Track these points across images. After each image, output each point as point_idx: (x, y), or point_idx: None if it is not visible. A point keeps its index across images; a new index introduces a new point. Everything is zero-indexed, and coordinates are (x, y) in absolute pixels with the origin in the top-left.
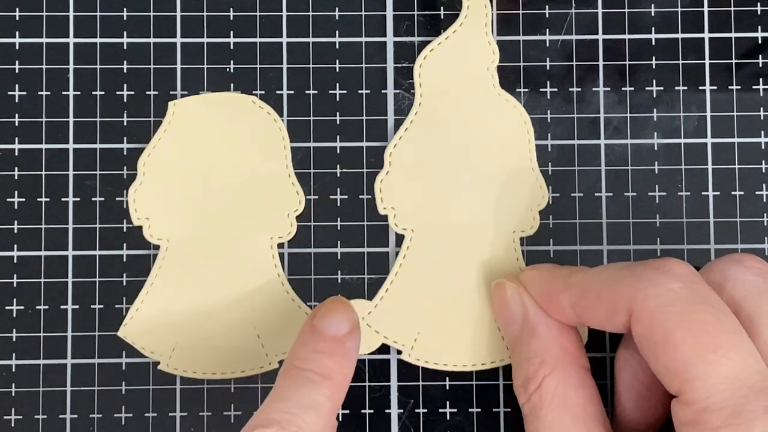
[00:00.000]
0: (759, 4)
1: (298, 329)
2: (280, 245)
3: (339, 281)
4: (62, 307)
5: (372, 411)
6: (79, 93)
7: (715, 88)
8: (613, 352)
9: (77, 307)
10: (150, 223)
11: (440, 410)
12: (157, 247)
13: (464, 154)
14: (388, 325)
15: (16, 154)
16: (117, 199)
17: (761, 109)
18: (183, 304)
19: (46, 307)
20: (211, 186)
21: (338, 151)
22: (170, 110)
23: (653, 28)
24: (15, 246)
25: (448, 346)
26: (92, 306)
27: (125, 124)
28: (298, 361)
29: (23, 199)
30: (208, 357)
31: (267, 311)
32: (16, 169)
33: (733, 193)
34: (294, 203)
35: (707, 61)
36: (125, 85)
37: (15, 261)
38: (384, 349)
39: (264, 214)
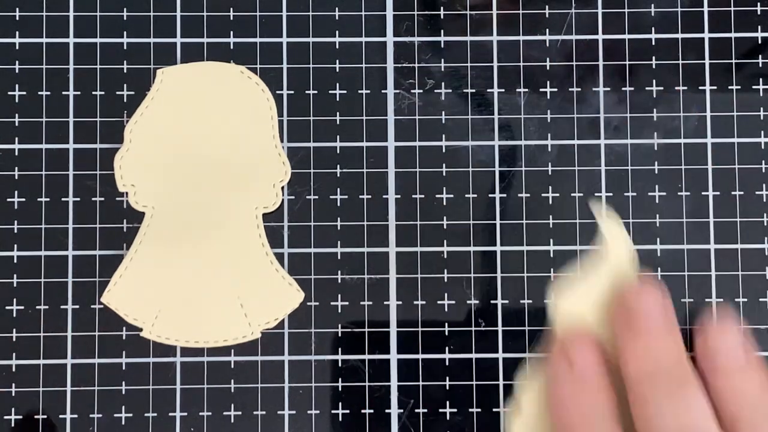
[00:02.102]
0: (759, 4)
1: (280, 299)
2: (280, 244)
3: (339, 281)
4: (62, 307)
5: (372, 411)
6: (79, 93)
7: (715, 88)
8: None
9: (77, 307)
10: (135, 189)
11: (440, 410)
12: None
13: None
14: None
15: (16, 154)
16: (117, 199)
17: (761, 109)
18: (167, 272)
19: (46, 307)
20: (197, 154)
21: (338, 151)
22: (158, 78)
23: (653, 28)
24: (15, 246)
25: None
26: (92, 306)
27: (125, 124)
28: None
29: (23, 199)
30: (191, 325)
31: (250, 281)
32: (16, 169)
33: (733, 193)
34: (280, 173)
35: (707, 61)
36: (125, 85)
37: (15, 261)
38: (384, 349)
39: (249, 184)
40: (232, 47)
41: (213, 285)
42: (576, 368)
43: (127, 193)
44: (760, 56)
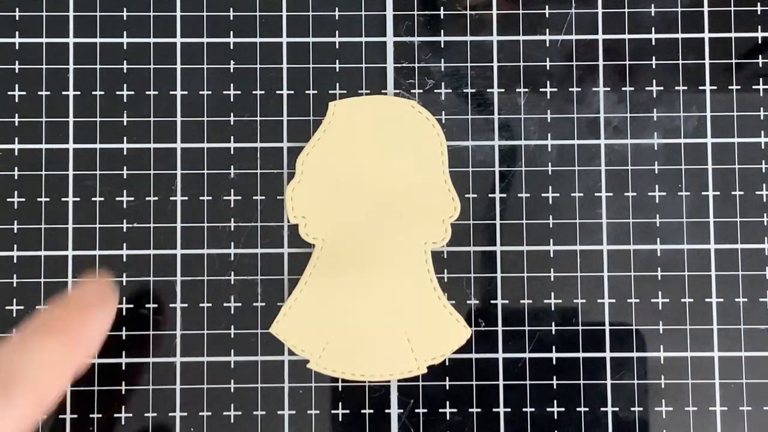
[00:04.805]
0: (759, 4)
1: (447, 335)
2: (280, 245)
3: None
4: None
5: (372, 411)
6: (79, 93)
7: (715, 88)
8: (613, 351)
9: None
10: (306, 221)
11: (440, 410)
12: (148, 247)
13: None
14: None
15: (16, 154)
16: (117, 199)
17: (761, 109)
18: (334, 304)
19: (46, 307)
20: (366, 188)
21: None
22: (330, 111)
23: (653, 28)
24: (15, 246)
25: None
26: None
27: (125, 124)
28: None
29: (23, 199)
30: (357, 358)
31: (418, 316)
32: (16, 169)
33: (733, 193)
34: (449, 209)
35: (707, 61)
36: (125, 85)
37: (15, 261)
38: None
39: (419, 219)
40: (232, 47)
41: (380, 319)
42: None
43: (297, 225)
44: (760, 56)
